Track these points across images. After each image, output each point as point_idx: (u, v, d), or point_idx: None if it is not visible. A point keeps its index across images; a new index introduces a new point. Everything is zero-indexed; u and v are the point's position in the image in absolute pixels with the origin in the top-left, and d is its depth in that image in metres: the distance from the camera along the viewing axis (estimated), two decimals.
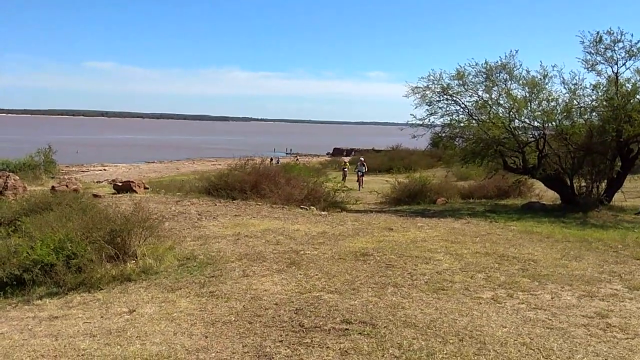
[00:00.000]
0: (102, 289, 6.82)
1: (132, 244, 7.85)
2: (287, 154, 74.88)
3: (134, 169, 46.20)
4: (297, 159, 51.73)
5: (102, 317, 5.74)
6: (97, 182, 22.17)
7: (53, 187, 14.74)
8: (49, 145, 24.36)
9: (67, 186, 14.65)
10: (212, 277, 6.99)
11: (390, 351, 4.49)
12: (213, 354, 4.54)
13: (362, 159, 30.04)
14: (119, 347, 4.78)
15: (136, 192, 14.86)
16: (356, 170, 28.60)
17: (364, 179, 27.70)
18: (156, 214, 10.40)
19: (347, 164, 36.13)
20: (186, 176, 28.55)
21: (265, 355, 4.47)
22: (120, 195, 14.53)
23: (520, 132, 16.30)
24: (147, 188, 16.07)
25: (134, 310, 5.82)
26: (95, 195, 13.44)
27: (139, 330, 5.17)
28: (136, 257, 7.71)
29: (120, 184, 15.55)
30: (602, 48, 15.33)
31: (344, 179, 29.13)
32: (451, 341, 4.70)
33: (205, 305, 5.86)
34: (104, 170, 44.08)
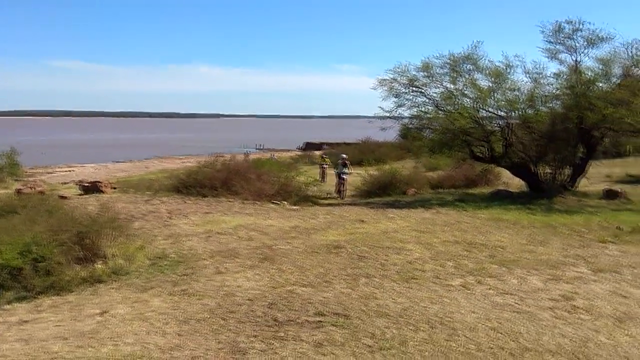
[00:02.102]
0: (72, 291, 6.72)
1: (101, 245, 7.74)
2: (257, 149, 74.51)
3: (102, 169, 45.31)
4: (273, 155, 50.82)
5: (73, 319, 5.66)
6: (63, 183, 21.70)
7: (18, 189, 14.40)
8: (12, 148, 23.75)
9: (32, 188, 14.33)
10: (185, 275, 6.96)
11: (364, 341, 4.56)
12: (187, 352, 4.53)
13: (345, 156, 20.48)
14: (91, 349, 4.73)
15: (104, 193, 14.62)
16: (337, 171, 20.03)
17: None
18: (125, 213, 10.29)
19: (327, 159, 27.92)
20: (155, 175, 28.17)
21: (240, 351, 4.49)
22: (87, 196, 14.27)
23: (486, 122, 16.56)
24: (115, 188, 15.82)
25: (106, 312, 5.76)
26: (61, 197, 13.17)
27: (111, 332, 5.12)
28: (106, 258, 7.61)
29: (87, 185, 15.28)
30: (563, 37, 15.70)
31: (322, 178, 24.45)
32: (423, 328, 4.80)
33: (178, 304, 5.84)
34: (71, 171, 43.09)
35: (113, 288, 6.66)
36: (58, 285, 6.85)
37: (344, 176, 19.31)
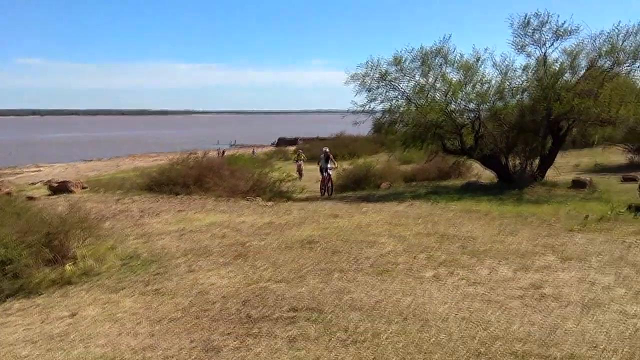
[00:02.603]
0: (41, 294, 6.59)
1: (70, 246, 7.61)
2: (231, 145, 74.05)
3: (71, 169, 44.50)
4: (254, 151, 50.24)
5: (42, 322, 5.56)
6: (31, 184, 21.21)
7: None
8: None
9: None
10: (157, 274, 6.89)
11: (337, 335, 4.58)
12: (160, 352, 4.49)
13: (327, 150, 19.13)
14: (61, 351, 4.66)
15: (74, 192, 14.37)
16: (321, 166, 18.38)
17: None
18: (95, 213, 10.13)
19: (302, 154, 26.92)
20: (127, 173, 27.77)
21: (213, 349, 4.47)
22: (56, 196, 13.99)
23: (457, 115, 16.75)
24: (85, 187, 15.55)
25: (76, 314, 5.67)
26: (29, 198, 12.90)
27: (81, 334, 5.04)
28: (76, 259, 7.48)
29: (56, 185, 14.98)
30: (531, 30, 15.93)
31: (299, 174, 23.61)
32: (395, 321, 4.84)
33: (150, 304, 5.78)
34: (39, 171, 42.20)
35: (83, 289, 6.55)
36: (27, 288, 6.72)
37: (330, 171, 18.08)
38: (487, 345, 4.27)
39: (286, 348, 4.38)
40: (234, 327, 4.91)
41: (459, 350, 4.21)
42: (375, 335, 4.54)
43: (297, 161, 26.13)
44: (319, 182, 18.56)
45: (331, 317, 5.00)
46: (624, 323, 4.72)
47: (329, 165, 18.11)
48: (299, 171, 24.50)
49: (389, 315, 4.99)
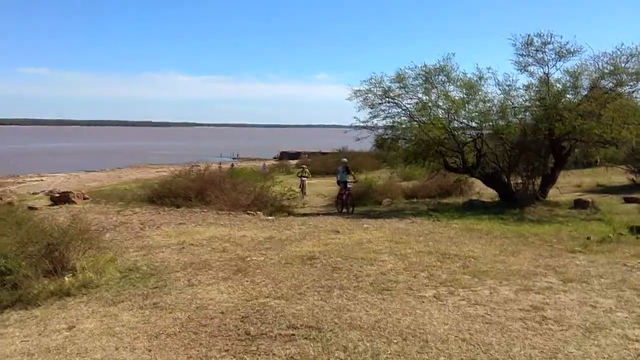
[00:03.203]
0: (39, 306, 6.56)
1: (70, 258, 7.58)
2: (233, 158, 74.19)
3: (73, 179, 44.53)
4: (265, 164, 48.54)
5: (40, 334, 5.52)
6: (33, 193, 21.24)
7: None
8: None
9: (0, 199, 14.00)
10: (156, 288, 6.85)
11: (336, 354, 4.55)
12: None
13: (346, 161, 18.38)
14: None
15: (75, 203, 14.37)
16: (339, 180, 17.23)
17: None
18: (96, 225, 10.11)
19: (307, 170, 25.51)
20: (128, 184, 27.80)
21: None
22: (57, 207, 14.00)
23: (459, 133, 16.82)
24: (87, 198, 15.57)
25: (74, 326, 5.63)
26: (31, 208, 12.91)
27: (79, 347, 5.00)
28: (76, 271, 7.45)
29: (58, 195, 15.01)
30: (533, 50, 16.06)
31: (302, 191, 22.67)
32: (395, 341, 4.80)
33: (148, 318, 5.74)
34: (41, 180, 42.27)
35: (82, 302, 6.52)
36: (25, 299, 6.68)
37: (349, 185, 16.69)
38: None
39: None
40: (232, 344, 4.88)
41: None
42: (374, 355, 4.50)
43: (301, 177, 24.35)
44: (336, 197, 17.10)
45: (330, 335, 4.96)
46: (626, 348, 4.68)
47: (348, 179, 16.87)
48: (302, 188, 23.28)
49: (388, 335, 4.95)
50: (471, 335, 4.92)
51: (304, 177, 24.05)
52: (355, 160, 40.27)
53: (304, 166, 27.24)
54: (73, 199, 14.57)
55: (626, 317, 5.49)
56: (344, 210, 16.28)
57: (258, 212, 14.08)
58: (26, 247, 7.42)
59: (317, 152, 66.13)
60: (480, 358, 4.42)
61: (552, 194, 17.42)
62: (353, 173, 17.76)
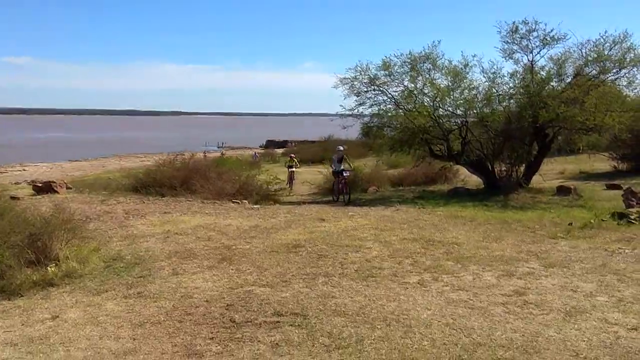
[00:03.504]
0: (22, 296, 6.49)
1: (53, 247, 7.50)
2: (219, 147, 73.87)
3: (57, 168, 44.08)
4: (256, 154, 47.86)
5: (23, 324, 5.48)
6: (15, 183, 20.98)
7: None
8: None
9: None
10: (140, 277, 6.83)
11: (321, 340, 4.58)
12: (141, 356, 4.45)
13: (343, 149, 16.64)
14: (41, 355, 4.60)
15: (58, 193, 14.21)
16: (335, 169, 16.05)
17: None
18: (79, 214, 10.03)
19: (295, 160, 23.89)
20: (113, 174, 27.55)
21: (196, 354, 4.44)
22: (40, 196, 13.84)
23: (444, 120, 16.87)
24: (70, 188, 15.40)
25: (57, 316, 5.60)
26: (13, 198, 12.71)
27: (62, 337, 4.98)
28: (59, 261, 7.39)
29: (40, 185, 14.81)
30: (518, 37, 16.11)
31: (290, 183, 21.43)
32: (379, 326, 4.85)
33: (132, 307, 5.72)
34: (24, 170, 41.73)
35: (65, 292, 6.47)
36: (8, 290, 6.61)
37: (346, 174, 15.75)
38: (469, 352, 4.29)
39: (269, 353, 4.36)
40: (217, 332, 4.89)
41: (442, 356, 4.22)
42: (358, 340, 4.54)
43: (289, 167, 22.48)
44: (333, 186, 16.22)
45: (315, 322, 4.99)
46: (606, 331, 4.77)
47: (343, 167, 16.08)
48: (291, 179, 21.78)
49: (373, 320, 4.99)
50: (454, 320, 4.98)
51: (292, 167, 22.49)
52: None
53: (292, 155, 25.11)
54: (56, 189, 14.40)
55: (606, 301, 5.58)
56: (341, 199, 15.51)
57: (244, 201, 14.06)
58: (8, 237, 7.31)
59: (304, 140, 66.14)
60: (462, 342, 4.48)
61: (536, 180, 17.57)
62: (349, 160, 16.82)
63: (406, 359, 4.18)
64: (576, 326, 4.87)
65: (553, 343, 4.48)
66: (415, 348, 4.38)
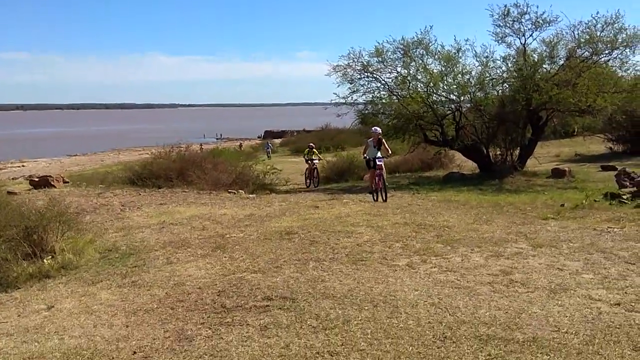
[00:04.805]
0: (19, 288, 6.60)
1: (49, 240, 7.60)
2: (217, 139, 73.86)
3: (55, 164, 44.13)
4: (268, 144, 47.31)
5: (19, 315, 5.59)
6: (13, 179, 21.09)
7: None
8: None
9: None
10: (135, 267, 6.93)
11: (309, 322, 4.68)
12: (134, 342, 4.55)
13: (379, 130, 12.97)
14: (36, 343, 4.70)
15: (55, 187, 14.29)
16: (367, 156, 12.64)
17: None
18: (75, 207, 10.12)
19: (316, 151, 19.45)
20: (110, 168, 27.65)
21: (186, 338, 4.54)
22: (37, 191, 13.92)
23: (438, 106, 16.95)
24: (67, 182, 15.48)
25: (53, 306, 5.70)
26: (10, 193, 12.80)
27: (57, 326, 5.08)
28: (54, 253, 7.49)
29: (37, 180, 14.90)
30: (510, 20, 16.17)
31: (310, 180, 18.36)
32: (366, 308, 4.95)
33: (126, 296, 5.82)
34: (23, 166, 41.83)
35: (61, 283, 6.58)
36: (5, 282, 6.73)
37: (380, 161, 12.31)
38: (453, 329, 4.39)
39: (257, 336, 4.46)
40: (208, 317, 4.99)
41: (426, 334, 4.32)
42: (345, 321, 4.63)
43: (309, 161, 18.67)
44: (368, 178, 13.22)
45: (304, 305, 5.08)
46: (588, 307, 4.86)
47: (379, 155, 12.43)
48: (312, 173, 18.30)
49: (360, 302, 5.09)
50: (440, 300, 5.07)
51: (313, 160, 18.62)
52: (339, 137, 40.41)
53: (312, 145, 20.08)
54: (53, 183, 14.48)
55: (591, 279, 5.67)
56: (377, 195, 12.19)
57: (239, 191, 14.14)
58: (4, 231, 7.42)
59: (301, 130, 66.14)
60: (447, 320, 4.57)
61: (531, 164, 17.68)
62: (386, 145, 12.85)
63: (391, 338, 4.27)
64: (560, 303, 4.96)
65: (535, 319, 4.58)
66: (401, 327, 4.48)
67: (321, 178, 18.69)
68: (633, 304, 4.85)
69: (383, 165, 12.34)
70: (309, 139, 43.92)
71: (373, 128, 13.19)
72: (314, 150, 19.25)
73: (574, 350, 3.97)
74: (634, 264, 6.12)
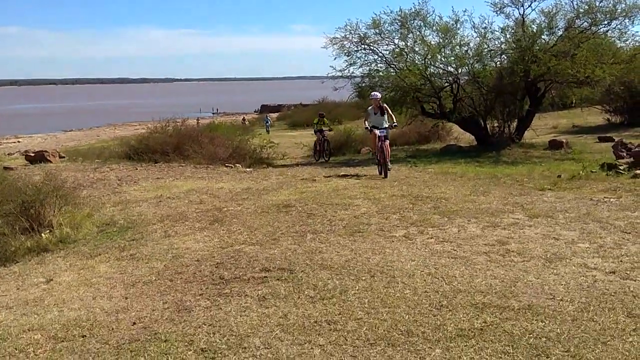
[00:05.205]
0: (18, 262, 6.63)
1: (46, 214, 7.61)
2: (213, 113, 73.45)
3: (51, 139, 43.95)
4: (267, 117, 46.71)
5: (18, 288, 5.62)
6: (9, 154, 21.01)
7: None
8: None
9: None
10: (133, 240, 6.95)
11: (306, 292, 4.71)
12: (133, 313, 4.59)
13: (378, 96, 12.06)
14: (36, 316, 4.73)
15: (51, 162, 14.26)
16: (373, 127, 11.49)
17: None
18: (72, 182, 10.12)
19: (326, 120, 18.28)
20: (106, 143, 27.55)
21: (185, 309, 4.57)
22: (33, 166, 13.89)
23: (435, 78, 16.82)
24: (63, 157, 15.44)
25: (51, 280, 5.73)
26: (6, 168, 12.78)
27: (56, 298, 5.12)
28: (52, 227, 7.50)
29: (33, 155, 14.87)
30: None
31: (318, 153, 17.21)
32: (363, 278, 4.98)
33: (125, 268, 5.85)
34: (18, 142, 41.65)
35: (59, 256, 6.60)
36: (3, 256, 6.77)
37: (384, 132, 11.40)
38: (449, 298, 4.43)
39: (255, 306, 4.50)
40: (207, 288, 5.02)
41: (423, 303, 4.36)
42: (343, 291, 4.67)
43: (318, 131, 17.20)
44: (322, 148, 14.71)
45: (302, 276, 5.12)
46: (584, 275, 4.90)
47: (385, 124, 11.45)
48: (322, 145, 16.96)
49: (357, 273, 5.12)
50: (436, 270, 5.11)
51: (324, 130, 17.24)
52: (336, 111, 40.17)
53: (322, 114, 18.53)
54: (48, 158, 14.45)
55: (587, 248, 5.71)
56: (382, 169, 11.37)
57: (236, 165, 14.11)
58: (2, 205, 7.43)
59: (298, 104, 65.83)
60: (443, 289, 4.62)
61: (529, 136, 17.66)
62: (391, 113, 11.92)
63: (388, 307, 4.31)
64: (555, 271, 5.00)
65: (531, 287, 4.62)
66: (397, 296, 4.52)
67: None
68: (628, 272, 4.90)
69: (387, 136, 11.42)
70: (306, 113, 43.68)
71: (372, 94, 12.34)
72: (325, 119, 17.87)
73: (569, 317, 4.01)
74: (630, 233, 6.16)
